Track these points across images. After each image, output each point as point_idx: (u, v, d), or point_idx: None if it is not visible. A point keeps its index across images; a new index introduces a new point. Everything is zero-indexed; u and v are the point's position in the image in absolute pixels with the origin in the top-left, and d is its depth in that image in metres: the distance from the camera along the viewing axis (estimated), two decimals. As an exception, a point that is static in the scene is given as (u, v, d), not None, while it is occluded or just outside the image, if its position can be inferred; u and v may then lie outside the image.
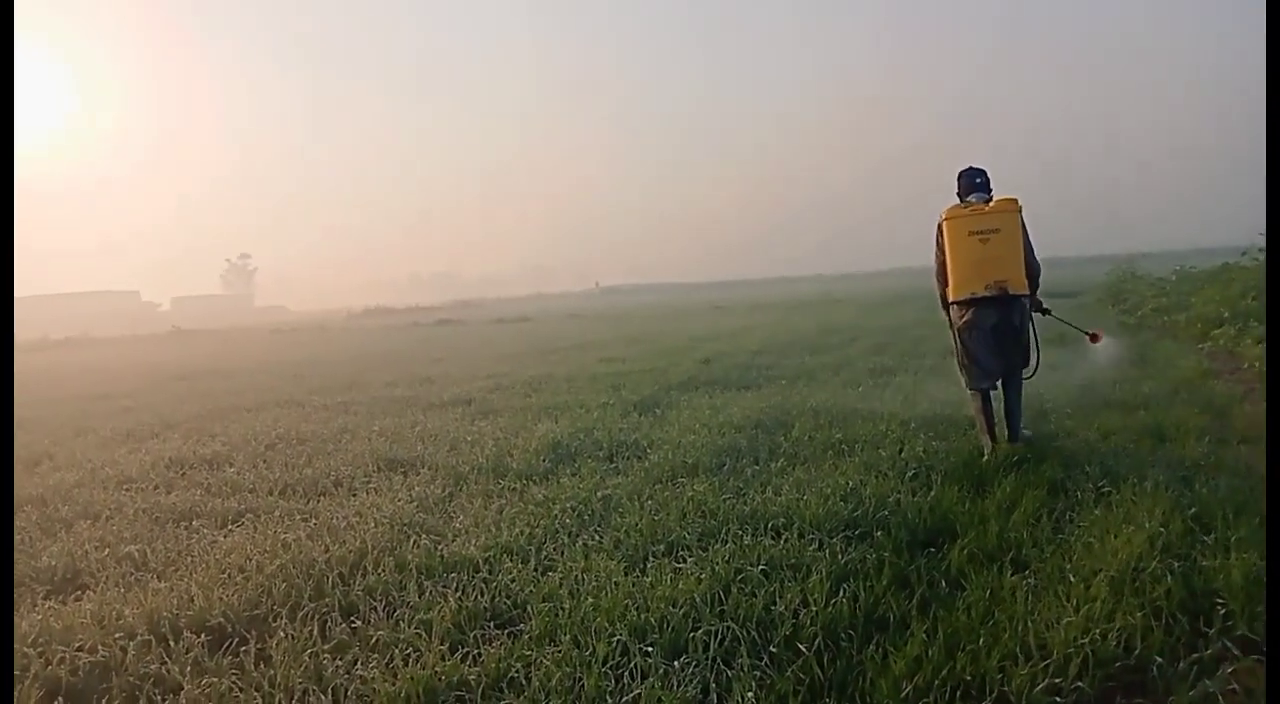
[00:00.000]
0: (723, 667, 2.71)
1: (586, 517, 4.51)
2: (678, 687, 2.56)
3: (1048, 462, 5.00)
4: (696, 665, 2.71)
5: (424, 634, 3.09)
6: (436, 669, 2.79)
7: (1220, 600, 2.98)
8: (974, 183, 5.48)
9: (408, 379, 12.51)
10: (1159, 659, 2.64)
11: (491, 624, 3.20)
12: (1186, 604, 2.99)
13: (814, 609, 3.04)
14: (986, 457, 5.22)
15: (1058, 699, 2.41)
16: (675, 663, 2.73)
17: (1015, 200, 5.33)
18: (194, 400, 11.15)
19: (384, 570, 3.75)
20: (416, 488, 5.28)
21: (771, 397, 8.44)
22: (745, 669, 2.65)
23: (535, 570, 3.71)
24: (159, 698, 2.74)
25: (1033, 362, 5.61)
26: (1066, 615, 2.87)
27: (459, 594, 3.45)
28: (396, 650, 2.96)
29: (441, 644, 3.00)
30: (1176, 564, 3.29)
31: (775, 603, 3.14)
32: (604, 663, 2.74)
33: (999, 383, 5.51)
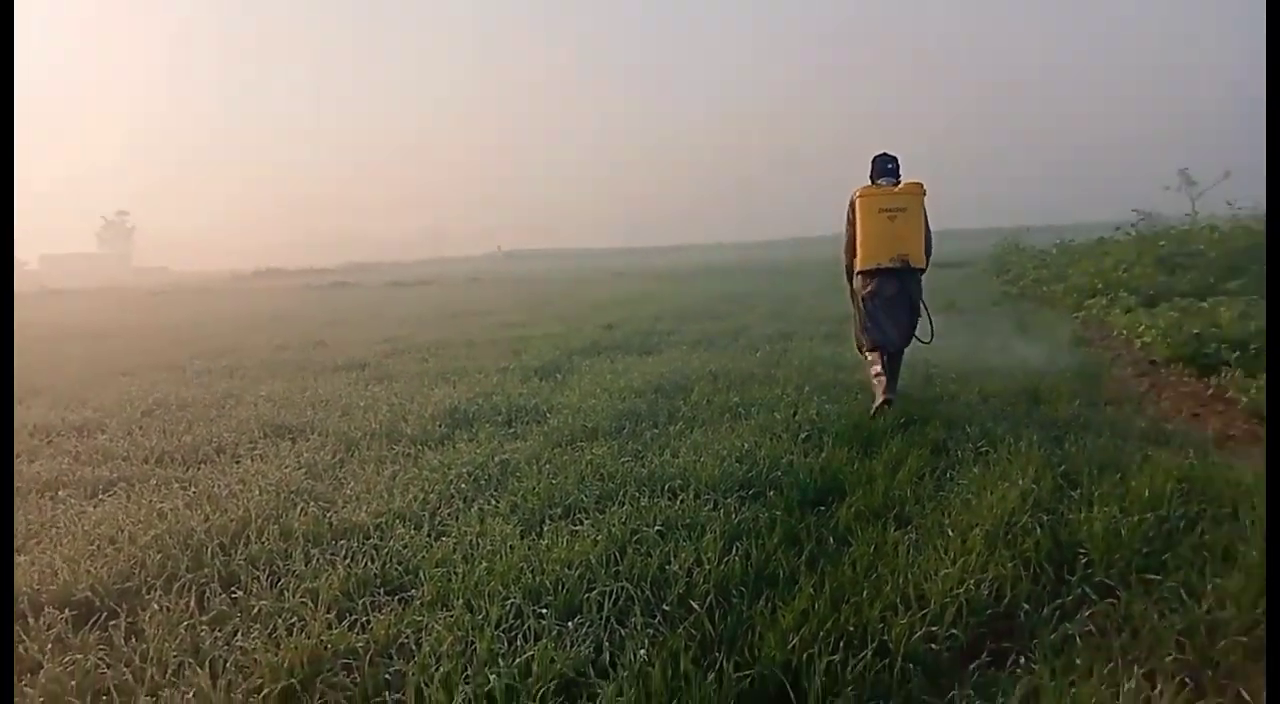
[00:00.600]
0: (616, 626, 2.72)
1: (483, 481, 4.45)
2: (570, 646, 2.56)
3: (931, 423, 5.21)
4: (590, 625, 2.71)
5: (310, 603, 2.99)
6: (322, 638, 2.71)
7: (1082, 551, 3.16)
8: (885, 167, 5.97)
9: (298, 342, 12.08)
10: (1026, 606, 2.79)
11: (382, 591, 3.12)
12: (1052, 554, 3.16)
13: (707, 567, 3.08)
14: (877, 406, 5.59)
15: (934, 646, 2.51)
16: (569, 624, 2.72)
17: (921, 185, 5.83)
18: (63, 364, 10.49)
19: (268, 539, 3.61)
20: (305, 454, 5.10)
21: (672, 362, 8.49)
22: (638, 627, 2.67)
23: (428, 536, 3.64)
24: (15, 678, 2.58)
25: (928, 328, 6.07)
26: (944, 567, 2.99)
27: (348, 562, 3.36)
28: (280, 620, 2.85)
29: (328, 612, 2.91)
30: (1045, 518, 3.47)
31: (670, 562, 3.17)
32: (497, 626, 2.71)
33: (894, 349, 5.88)
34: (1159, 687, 2.24)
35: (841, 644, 2.50)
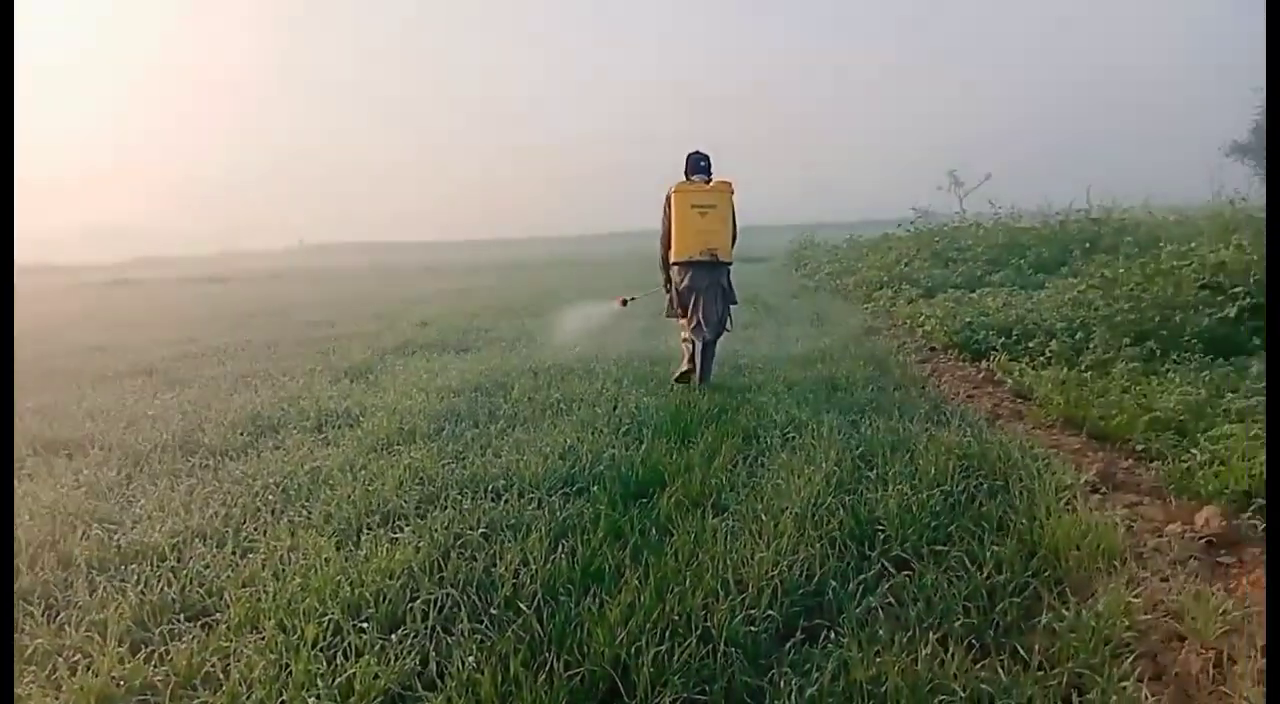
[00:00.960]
0: (442, 634, 2.66)
1: (292, 492, 4.21)
2: (395, 660, 2.48)
3: (742, 411, 5.46)
4: (415, 636, 2.64)
5: (96, 637, 2.73)
6: (113, 674, 2.48)
7: (880, 527, 3.41)
8: (699, 165, 6.34)
9: (71, 348, 10.89)
10: (834, 583, 2.98)
11: (182, 617, 2.89)
12: (854, 532, 3.39)
13: (534, 567, 3.07)
14: (681, 371, 6.40)
15: (753, 628, 2.64)
16: (392, 636, 2.63)
17: (730, 183, 6.29)
18: None
19: (43, 569, 3.26)
20: (85, 472, 4.62)
21: (490, 359, 8.38)
22: (465, 634, 2.62)
23: (233, 554, 3.40)
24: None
25: (729, 322, 6.53)
26: (760, 552, 3.14)
27: (140, 588, 3.09)
28: (60, 659, 2.58)
29: (119, 646, 2.66)
30: (847, 498, 3.73)
31: (495, 565, 3.13)
32: (314, 645, 2.58)
33: (704, 338, 6.28)
34: (951, 650, 2.46)
35: (667, 634, 2.57)
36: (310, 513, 3.87)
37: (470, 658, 2.45)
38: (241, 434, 5.49)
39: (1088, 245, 12.86)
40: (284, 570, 3.19)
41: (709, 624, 2.64)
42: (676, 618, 2.68)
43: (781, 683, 2.34)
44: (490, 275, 28.99)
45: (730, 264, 6.37)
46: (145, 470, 4.72)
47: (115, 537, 3.62)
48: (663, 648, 2.47)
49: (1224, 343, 6.25)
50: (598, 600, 2.83)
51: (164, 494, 4.25)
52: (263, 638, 2.65)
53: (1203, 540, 3.13)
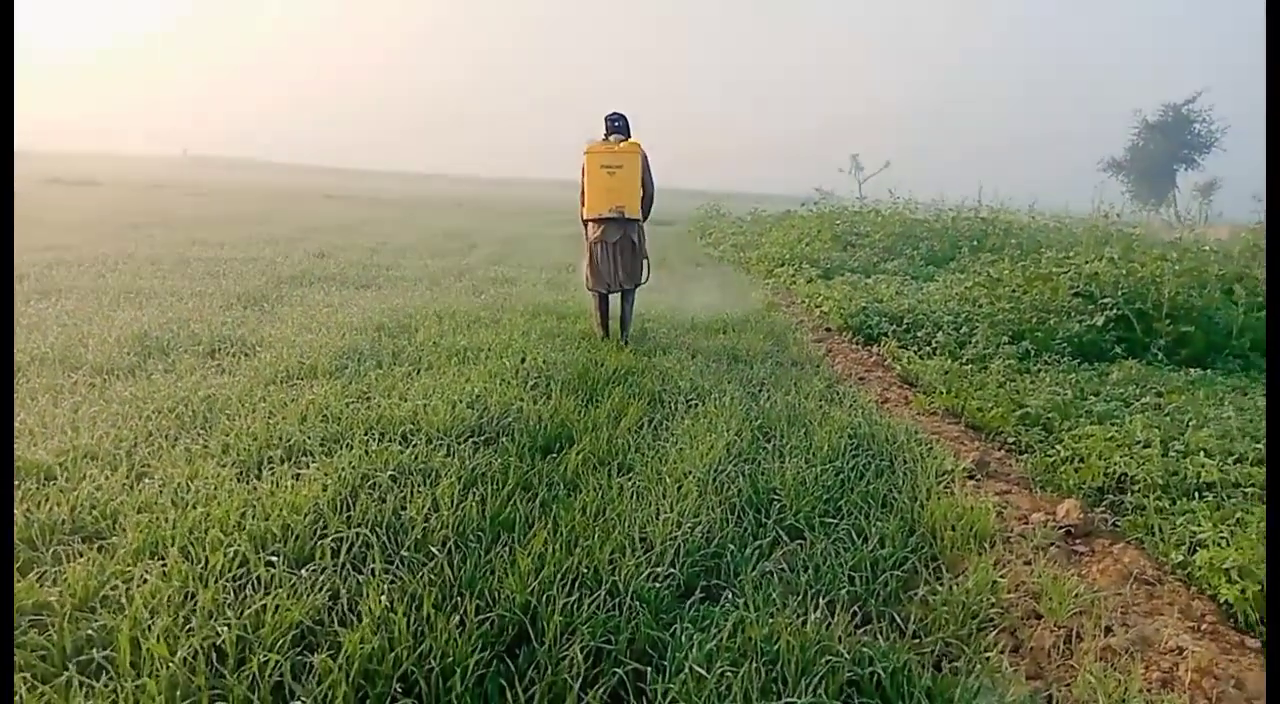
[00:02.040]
0: (353, 572, 2.69)
1: (187, 419, 4.10)
2: (305, 595, 2.50)
3: (648, 376, 5.58)
4: (325, 573, 2.65)
5: (-19, 554, 2.62)
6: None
7: (776, 496, 3.60)
8: (614, 126, 6.66)
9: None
10: (731, 547, 3.15)
11: (77, 539, 2.81)
12: (752, 500, 3.57)
13: (444, 513, 3.12)
14: (600, 339, 6.76)
15: (656, 585, 2.77)
16: (302, 571, 2.64)
17: (638, 144, 6.56)
18: None
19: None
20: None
21: (392, 298, 8.24)
22: (377, 573, 2.66)
23: (127, 478, 3.31)
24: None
25: (645, 274, 6.86)
26: (664, 513, 3.28)
27: (26, 506, 2.97)
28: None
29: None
30: (746, 467, 3.91)
31: (405, 508, 3.16)
32: (221, 575, 2.57)
33: (618, 289, 6.74)
34: (836, 615, 2.66)
35: (576, 585, 2.68)
36: (207, 442, 3.78)
37: (383, 597, 2.48)
38: (128, 353, 5.28)
39: (975, 243, 13.59)
40: (183, 498, 3.13)
41: (615, 578, 2.75)
42: (585, 571, 2.79)
43: (682, 637, 2.48)
44: (389, 209, 28.14)
45: (638, 220, 6.70)
46: (23, 383, 4.48)
47: (-7, 451, 3.45)
48: (572, 598, 2.58)
49: (1091, 348, 6.78)
50: (508, 549, 2.91)
51: (46, 409, 4.08)
52: (165, 565, 2.60)
53: (1062, 529, 3.45)
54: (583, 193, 6.64)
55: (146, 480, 3.30)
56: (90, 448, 3.57)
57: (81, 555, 2.69)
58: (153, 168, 61.68)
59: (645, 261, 6.84)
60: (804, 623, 2.58)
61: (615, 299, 6.89)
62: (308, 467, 3.53)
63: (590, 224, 6.70)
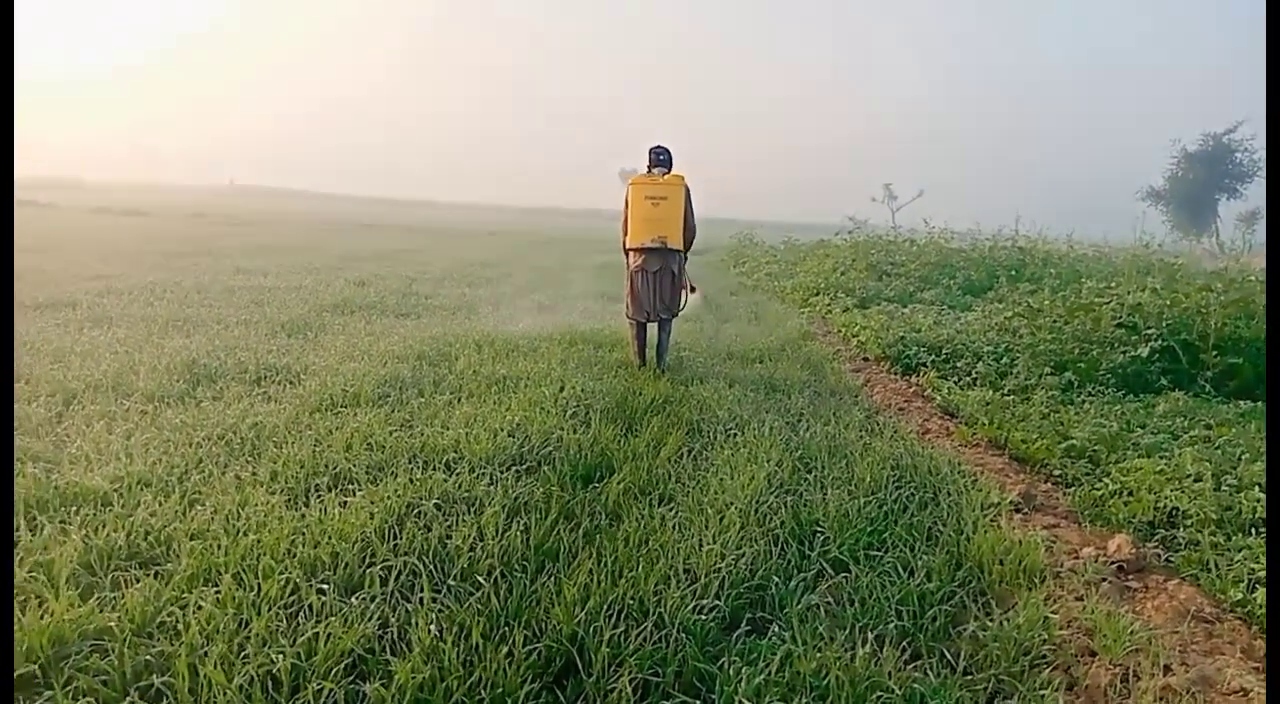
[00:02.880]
0: (401, 601, 2.71)
1: (235, 446, 4.18)
2: (356, 623, 2.52)
3: (686, 405, 5.58)
4: (374, 601, 2.68)
5: (43, 577, 2.69)
6: (65, 617, 2.45)
7: (819, 528, 3.58)
8: (659, 159, 6.85)
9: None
10: (776, 579, 3.13)
11: (133, 564, 2.87)
12: (795, 532, 3.55)
13: (489, 542, 3.14)
14: (637, 365, 6.82)
15: (703, 617, 2.76)
16: (352, 599, 2.67)
17: (682, 177, 6.76)
18: None
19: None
20: (14, 407, 4.47)
21: (432, 327, 8.34)
22: (425, 602, 2.68)
23: (180, 504, 3.37)
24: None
25: (683, 303, 6.96)
26: (707, 543, 3.27)
27: (84, 532, 3.04)
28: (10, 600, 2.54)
29: (70, 588, 2.63)
30: (788, 498, 3.89)
31: (450, 536, 3.19)
32: (274, 603, 2.60)
33: (657, 318, 6.85)
34: (885, 650, 2.63)
35: (622, 617, 2.68)
36: (256, 469, 3.85)
37: (433, 626, 2.50)
38: (178, 381, 5.38)
39: (1013, 273, 13.45)
40: (235, 525, 3.18)
41: (662, 610, 2.75)
42: (630, 602, 2.79)
43: (730, 670, 2.46)
44: (425, 238, 28.54)
45: (680, 251, 6.81)
46: (78, 410, 4.61)
47: (52, 476, 3.55)
48: (619, 630, 2.58)
49: (1135, 380, 6.67)
50: (554, 579, 2.92)
51: (100, 436, 4.16)
52: (220, 592, 2.65)
53: (1114, 565, 3.39)
54: (625, 222, 6.80)
55: (199, 507, 3.36)
56: (144, 474, 3.64)
57: (138, 581, 2.75)
58: (196, 197, 63.18)
59: (685, 290, 6.95)
60: (853, 658, 2.56)
61: (652, 328, 6.94)
62: (354, 494, 3.58)
63: (632, 253, 6.81)
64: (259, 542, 3.01)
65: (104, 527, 3.09)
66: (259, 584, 2.71)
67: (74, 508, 3.25)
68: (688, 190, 6.72)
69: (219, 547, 2.97)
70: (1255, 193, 44.47)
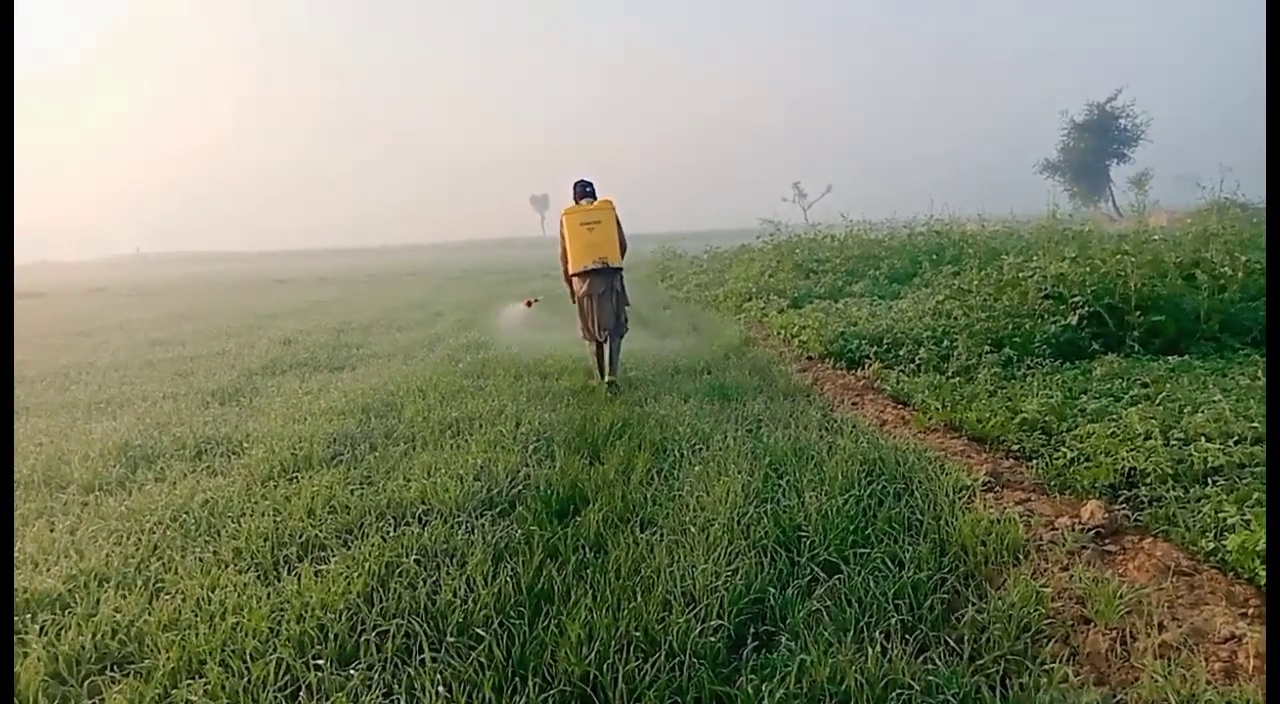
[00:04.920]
0: (402, 665, 2.62)
1: (190, 527, 3.99)
2: (360, 695, 2.42)
3: (645, 425, 5.56)
4: (373, 669, 2.58)
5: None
6: (40, 735, 2.29)
7: (803, 533, 3.59)
8: (584, 190, 7.36)
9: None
10: (772, 590, 3.12)
11: (107, 666, 2.70)
12: (781, 540, 3.55)
13: (480, 592, 3.05)
14: (602, 382, 7.01)
15: (713, 639, 2.73)
16: (350, 670, 2.57)
17: (610, 201, 7.25)
18: None
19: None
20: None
21: (369, 377, 8.13)
22: (427, 663, 2.59)
23: (145, 595, 3.19)
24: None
25: (625, 320, 7.38)
26: (699, 564, 3.25)
27: (47, 638, 2.85)
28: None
29: (40, 702, 2.46)
30: (767, 507, 3.89)
31: (439, 591, 3.09)
32: (267, 686, 2.48)
33: (607, 336, 7.14)
34: (894, 646, 2.64)
35: (632, 650, 2.63)
36: (218, 549, 3.67)
37: (440, 688, 2.42)
38: (114, 465, 5.12)
39: (934, 257, 13.84)
40: (208, 610, 3.03)
41: (670, 638, 2.71)
42: (636, 633, 2.74)
43: (749, 688, 2.44)
44: (343, 287, 27.97)
45: (621, 269, 7.26)
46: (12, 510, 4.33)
47: (-2, 585, 3.32)
48: (631, 665, 2.53)
49: (1069, 347, 6.91)
50: (554, 621, 2.86)
51: (41, 535, 3.93)
52: (208, 683, 2.51)
53: (1090, 531, 3.48)
54: (564, 252, 7.20)
55: (165, 596, 3.19)
56: (99, 569, 3.44)
57: (116, 683, 2.59)
58: (90, 272, 60.62)
59: (626, 308, 7.35)
60: (865, 658, 2.56)
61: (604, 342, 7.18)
62: (328, 561, 3.45)
63: (576, 279, 7.19)
64: (238, 624, 2.88)
65: (67, 630, 2.91)
66: (247, 669, 2.58)
67: (29, 615, 3.05)
68: (615, 211, 7.17)
69: (196, 635, 2.82)
70: (1141, 156, 46.98)
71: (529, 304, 9.57)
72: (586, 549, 3.52)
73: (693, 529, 3.64)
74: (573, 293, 7.33)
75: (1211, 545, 3.25)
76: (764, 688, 2.42)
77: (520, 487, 4.33)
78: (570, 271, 7.22)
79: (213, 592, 3.19)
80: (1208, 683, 2.41)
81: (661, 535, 3.62)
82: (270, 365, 9.34)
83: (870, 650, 2.60)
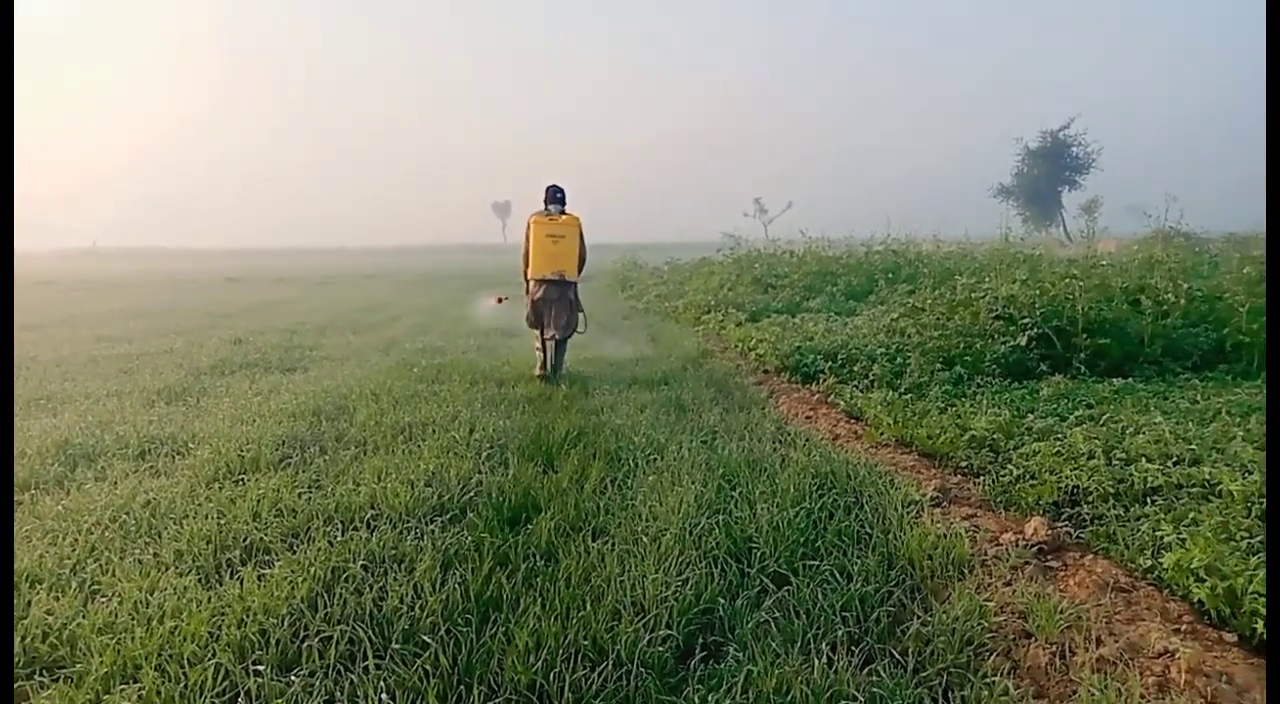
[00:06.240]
0: (345, 672, 2.57)
1: (130, 528, 3.89)
2: (302, 702, 2.37)
3: (601, 434, 5.55)
4: (315, 676, 2.53)
5: (-69, 701, 2.42)
6: (-34, 741, 2.21)
7: (754, 544, 3.61)
8: (555, 196, 7.82)
9: None
10: (721, 600, 3.13)
11: (36, 671, 2.61)
12: (731, 551, 3.56)
13: (428, 599, 3.02)
14: (537, 372, 7.85)
15: (661, 649, 2.73)
16: (291, 676, 2.52)
17: (577, 218, 7.82)
18: None
19: None
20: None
21: (322, 380, 8.01)
22: (370, 670, 2.55)
23: (79, 598, 3.11)
24: None
25: (582, 326, 8.11)
26: (650, 573, 3.24)
27: (-28, 642, 2.76)
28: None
29: (-34, 708, 2.38)
30: (719, 517, 3.91)
31: (385, 597, 3.05)
32: (204, 692, 2.42)
33: (554, 339, 7.88)
34: (840, 658, 2.67)
35: (579, 659, 2.62)
36: (158, 551, 3.59)
37: (383, 695, 2.38)
38: (52, 464, 4.98)
39: (890, 275, 14.05)
40: (146, 613, 2.95)
41: (618, 647, 2.70)
42: (584, 642, 2.73)
43: (696, 699, 2.44)
44: (299, 287, 27.55)
45: (576, 282, 7.98)
46: (-58, 508, 4.18)
47: (-77, 585, 3.20)
48: (578, 674, 2.52)
49: (1018, 367, 7.06)
50: (502, 629, 2.83)
51: (-28, 535, 3.79)
52: (142, 688, 2.45)
53: (1034, 547, 3.55)
54: (526, 254, 7.87)
55: (101, 599, 3.11)
56: (32, 571, 3.34)
57: (45, 688, 2.51)
58: (37, 264, 58.84)
59: (580, 314, 8.06)
60: (811, 670, 2.58)
61: (551, 345, 7.96)
62: (272, 566, 3.38)
63: (533, 282, 7.82)
64: (177, 628, 2.81)
65: (-7, 634, 2.81)
66: (184, 674, 2.51)
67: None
68: (580, 227, 7.79)
69: (132, 639, 2.75)
70: (1092, 183, 48.33)
71: (499, 301, 10.26)
72: (537, 557, 3.50)
73: (644, 539, 3.63)
74: (528, 290, 7.96)
75: (1149, 563, 3.33)
76: (710, 698, 2.43)
77: (472, 493, 4.30)
78: (530, 276, 7.85)
79: (151, 595, 3.11)
80: (1141, 697, 2.47)
81: (613, 545, 3.61)
82: (220, 365, 9.15)
83: (817, 662, 2.62)
